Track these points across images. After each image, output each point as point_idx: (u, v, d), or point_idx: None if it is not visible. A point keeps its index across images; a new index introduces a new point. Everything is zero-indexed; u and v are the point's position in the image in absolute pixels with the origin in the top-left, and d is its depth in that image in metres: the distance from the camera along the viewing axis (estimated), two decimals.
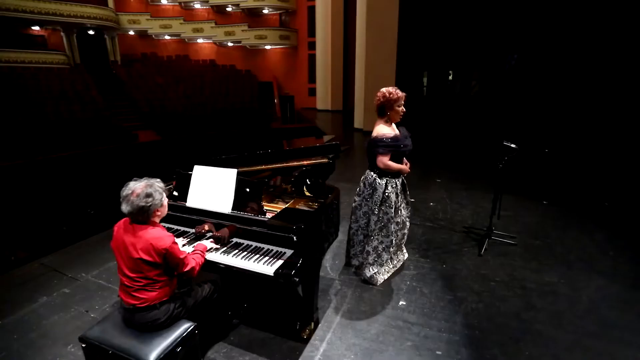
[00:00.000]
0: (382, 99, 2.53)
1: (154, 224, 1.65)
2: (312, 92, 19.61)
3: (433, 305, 2.58)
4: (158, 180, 1.66)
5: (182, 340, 1.68)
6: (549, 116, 9.49)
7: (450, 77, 12.77)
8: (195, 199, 2.18)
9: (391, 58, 10.29)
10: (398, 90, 2.56)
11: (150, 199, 1.57)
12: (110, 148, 10.34)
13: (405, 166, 2.64)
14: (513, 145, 3.27)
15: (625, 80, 7.85)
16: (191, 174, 2.23)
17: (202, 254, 1.83)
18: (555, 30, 8.96)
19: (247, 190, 2.13)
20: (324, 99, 18.54)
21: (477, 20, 10.32)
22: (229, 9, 19.76)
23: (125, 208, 1.56)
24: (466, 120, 11.30)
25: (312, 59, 19.33)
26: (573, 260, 3.20)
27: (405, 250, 3.16)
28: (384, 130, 2.53)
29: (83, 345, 1.71)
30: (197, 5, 19.62)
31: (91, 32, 17.40)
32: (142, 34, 19.15)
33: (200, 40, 20.12)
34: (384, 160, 2.51)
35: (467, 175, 5.98)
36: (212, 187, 2.14)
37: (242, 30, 19.13)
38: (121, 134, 11.81)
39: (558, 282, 2.86)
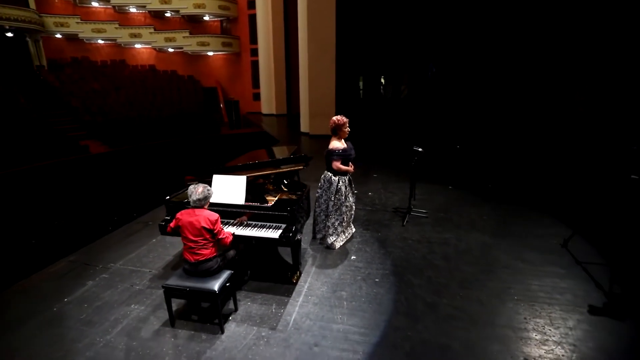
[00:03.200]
0: (334, 124, 3.82)
1: (205, 209, 2.74)
2: (257, 96, 20.43)
3: (372, 257, 3.96)
4: (207, 185, 2.75)
5: (228, 279, 2.80)
6: (460, 117, 11.63)
7: (383, 82, 14.47)
8: (218, 196, 3.24)
9: (331, 67, 11.69)
10: (344, 117, 3.87)
11: (207, 193, 2.67)
12: (61, 161, 10.24)
13: (350, 168, 3.96)
14: (420, 149, 4.78)
15: (513, 88, 10.10)
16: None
17: (230, 234, 2.92)
18: (462, 42, 10.74)
19: (252, 188, 3.27)
20: (268, 103, 19.50)
21: (403, 30, 11.67)
22: (167, 15, 19.67)
23: (192, 199, 2.64)
24: (398, 120, 13.03)
25: (255, 65, 20.13)
26: (462, 224, 4.84)
27: (353, 226, 4.51)
28: (337, 144, 3.82)
29: (164, 290, 2.72)
30: (133, 10, 19.18)
31: (9, 34, 16.11)
32: (71, 37, 18.19)
33: (138, 45, 19.70)
34: (337, 164, 3.82)
35: (397, 169, 7.59)
36: (229, 188, 3.24)
37: (184, 37, 19.25)
38: (68, 145, 11.56)
39: (450, 237, 4.44)
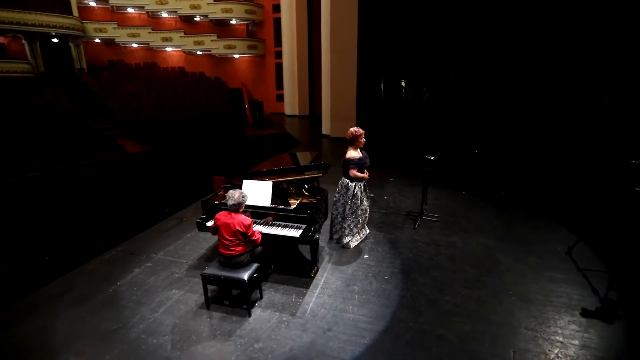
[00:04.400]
0: (351, 135, 4.23)
1: (240, 213, 3.21)
2: (280, 98, 21.04)
3: (383, 256, 4.34)
4: (243, 192, 3.22)
5: (255, 271, 3.28)
6: (480, 121, 11.61)
7: (404, 85, 14.51)
8: (248, 199, 3.72)
9: (352, 70, 12.00)
10: (360, 129, 4.26)
11: (241, 199, 3.14)
12: (103, 160, 11.15)
13: (366, 175, 4.36)
14: (432, 158, 5.10)
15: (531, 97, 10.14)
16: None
17: (259, 234, 3.38)
18: (486, 44, 10.62)
19: (277, 191, 3.74)
20: (291, 104, 20.05)
21: (426, 32, 11.63)
22: (197, 19, 20.59)
23: (229, 203, 3.12)
24: (418, 123, 12.93)
25: (279, 67, 20.73)
26: (470, 229, 5.13)
27: (367, 227, 4.90)
28: (353, 154, 4.23)
29: (202, 278, 3.24)
30: (165, 15, 20.23)
31: (55, 40, 17.44)
32: (109, 42, 19.43)
33: (168, 49, 20.74)
34: (354, 172, 4.22)
35: (412, 174, 7.88)
36: (258, 192, 3.71)
37: (212, 40, 20.10)
38: (105, 144, 12.53)
39: (457, 240, 4.75)
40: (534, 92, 9.83)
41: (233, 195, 3.14)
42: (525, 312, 3.31)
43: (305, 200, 3.94)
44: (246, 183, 3.79)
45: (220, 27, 21.09)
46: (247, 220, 3.17)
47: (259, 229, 3.56)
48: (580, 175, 7.49)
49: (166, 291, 3.68)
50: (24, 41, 16.59)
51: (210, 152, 13.02)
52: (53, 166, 10.26)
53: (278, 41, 20.23)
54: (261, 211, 3.70)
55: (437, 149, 9.25)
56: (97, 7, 19.23)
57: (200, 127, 15.06)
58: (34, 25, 15.98)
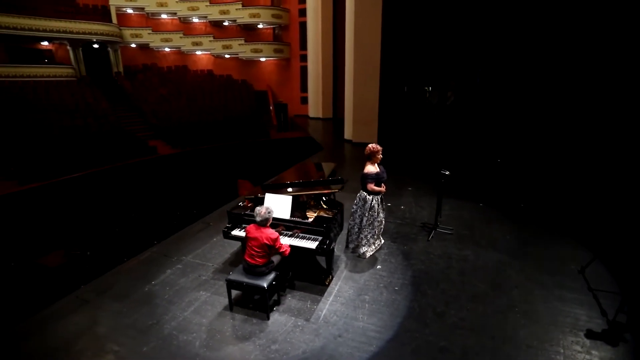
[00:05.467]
0: (369, 151, 4.47)
1: (268, 227, 3.54)
2: (304, 100, 21.43)
3: (395, 267, 4.56)
4: (269, 207, 3.55)
5: (275, 279, 3.62)
6: (505, 128, 11.35)
7: (428, 89, 14.30)
8: None
9: (375, 75, 12.08)
10: (378, 146, 4.50)
11: (269, 215, 3.48)
12: (137, 162, 11.92)
13: (383, 188, 4.58)
14: (447, 172, 5.24)
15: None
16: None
17: (288, 247, 3.70)
18: (514, 46, 10.31)
19: (297, 204, 4.05)
20: (315, 107, 20.40)
21: (452, 34, 11.42)
22: (225, 24, 21.33)
23: (257, 219, 3.46)
24: (442, 128, 12.67)
25: (304, 70, 21.12)
26: (483, 243, 5.24)
27: (382, 238, 5.13)
28: (371, 169, 4.48)
29: (227, 282, 3.60)
30: (196, 20, 21.11)
31: (96, 46, 18.65)
32: (143, 46, 20.52)
33: (198, 52, 21.62)
34: (371, 186, 4.47)
35: (430, 184, 7.95)
36: (278, 205, 4.04)
37: (239, 44, 20.76)
38: (139, 146, 13.35)
39: (469, 254, 4.89)
40: (566, 100, 9.55)
41: (260, 212, 3.47)
42: (529, 330, 3.45)
43: (322, 214, 4.23)
44: (268, 196, 4.12)
45: (247, 31, 21.74)
46: (274, 234, 3.50)
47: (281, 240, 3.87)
48: (603, 191, 7.33)
49: (195, 292, 4.09)
50: (68, 47, 17.86)
51: (236, 155, 13.57)
52: (93, 167, 11.11)
53: (303, 45, 20.60)
54: (281, 223, 4.02)
55: (458, 156, 9.28)
56: (134, 14, 20.35)
57: (227, 129, 15.67)
58: (78, 33, 17.19)
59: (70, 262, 6.09)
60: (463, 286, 4.16)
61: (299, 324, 3.54)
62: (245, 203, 4.51)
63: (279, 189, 4.34)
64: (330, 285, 4.17)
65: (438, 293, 4.03)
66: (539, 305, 3.81)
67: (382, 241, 5.14)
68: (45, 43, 17.84)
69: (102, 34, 17.84)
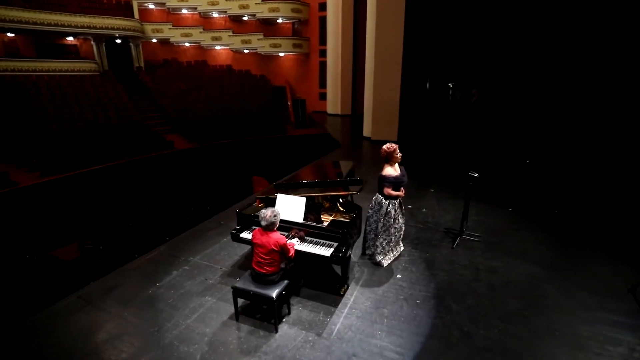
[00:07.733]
0: (385, 153, 4.09)
1: (275, 231, 3.25)
2: (323, 96, 21.06)
3: (417, 277, 4.18)
4: (276, 209, 3.25)
5: (285, 288, 3.31)
6: (534, 127, 10.68)
7: (451, 86, 13.73)
8: (281, 213, 3.75)
9: (396, 72, 11.58)
10: (393, 145, 4.11)
11: (274, 219, 3.17)
12: (154, 156, 11.92)
13: (401, 193, 4.20)
14: (475, 175, 4.79)
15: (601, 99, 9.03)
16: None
17: (293, 246, 3.41)
18: (544, 40, 9.71)
19: (311, 205, 3.73)
20: (334, 103, 20.01)
21: (477, 28, 10.89)
22: (245, 18, 21.19)
23: (262, 223, 3.16)
24: (466, 127, 12.11)
25: (322, 65, 20.74)
26: (514, 252, 4.77)
27: (401, 244, 4.74)
28: (389, 171, 4.09)
29: (233, 290, 3.33)
30: (215, 15, 21.08)
31: (118, 41, 18.89)
32: (164, 41, 20.66)
33: (217, 47, 21.60)
34: (388, 190, 4.09)
35: (454, 186, 7.46)
36: (291, 207, 3.73)
37: (258, 39, 20.58)
38: (156, 140, 13.39)
39: (499, 265, 4.44)
40: (602, 97, 8.83)
41: (265, 215, 3.17)
42: (572, 358, 3.01)
43: (338, 217, 3.89)
44: (280, 197, 3.82)
45: (266, 26, 21.52)
46: (282, 239, 3.20)
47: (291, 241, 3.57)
48: None
49: (200, 297, 3.85)
50: (92, 42, 18.16)
51: (252, 150, 13.39)
52: (112, 160, 11.16)
53: (323, 40, 20.20)
54: (294, 226, 3.71)
55: (484, 156, 8.73)
56: (155, 9, 20.49)
57: (244, 124, 15.52)
58: (102, 28, 17.42)
59: (82, 255, 6.02)
60: (492, 302, 3.73)
61: (310, 339, 3.23)
62: (256, 203, 4.23)
63: (292, 189, 4.03)
64: (345, 295, 3.84)
65: (464, 309, 3.63)
66: (582, 329, 3.35)
67: (402, 247, 4.76)
68: (71, 38, 18.19)
69: (124, 29, 18.02)
